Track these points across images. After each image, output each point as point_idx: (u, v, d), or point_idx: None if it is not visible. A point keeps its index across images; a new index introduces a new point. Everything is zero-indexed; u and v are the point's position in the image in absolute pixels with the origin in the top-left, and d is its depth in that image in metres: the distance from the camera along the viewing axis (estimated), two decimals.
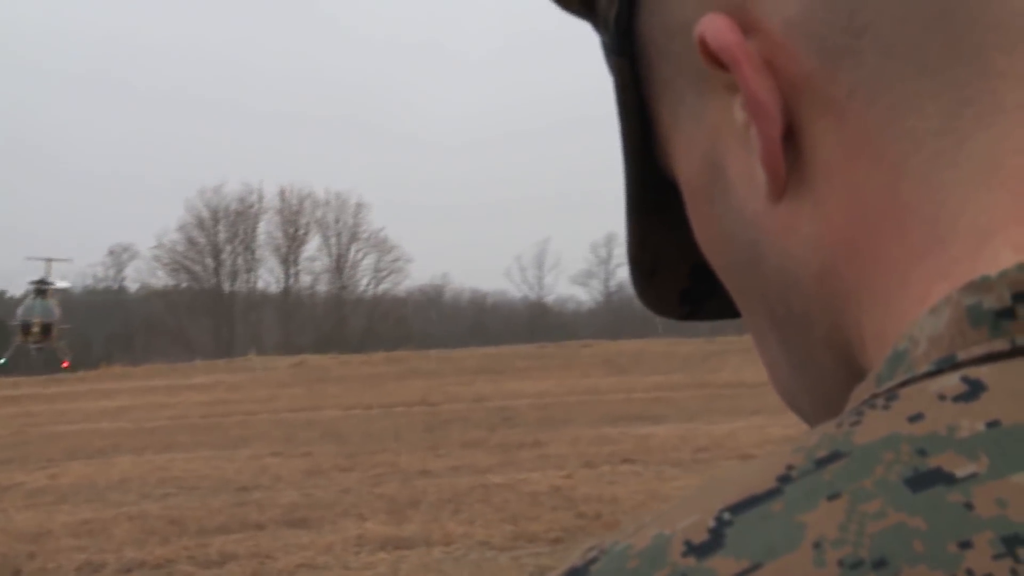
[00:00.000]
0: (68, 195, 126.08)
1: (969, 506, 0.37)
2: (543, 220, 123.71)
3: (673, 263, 0.62)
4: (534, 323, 76.97)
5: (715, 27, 0.47)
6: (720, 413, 17.91)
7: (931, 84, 0.45)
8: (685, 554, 0.38)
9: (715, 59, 0.48)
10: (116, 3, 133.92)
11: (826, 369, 0.51)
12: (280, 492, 12.11)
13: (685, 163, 0.54)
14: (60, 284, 65.23)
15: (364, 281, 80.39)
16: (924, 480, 0.38)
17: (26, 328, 60.59)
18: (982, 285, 0.41)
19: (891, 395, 0.41)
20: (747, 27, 0.47)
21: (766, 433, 14.63)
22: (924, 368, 0.41)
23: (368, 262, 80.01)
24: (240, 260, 78.05)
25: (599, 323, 75.66)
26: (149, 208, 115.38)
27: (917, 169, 0.45)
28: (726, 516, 0.39)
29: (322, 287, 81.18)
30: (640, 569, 0.38)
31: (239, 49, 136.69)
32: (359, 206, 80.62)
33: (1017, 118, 0.44)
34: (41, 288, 62.09)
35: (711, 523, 0.39)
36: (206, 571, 8.69)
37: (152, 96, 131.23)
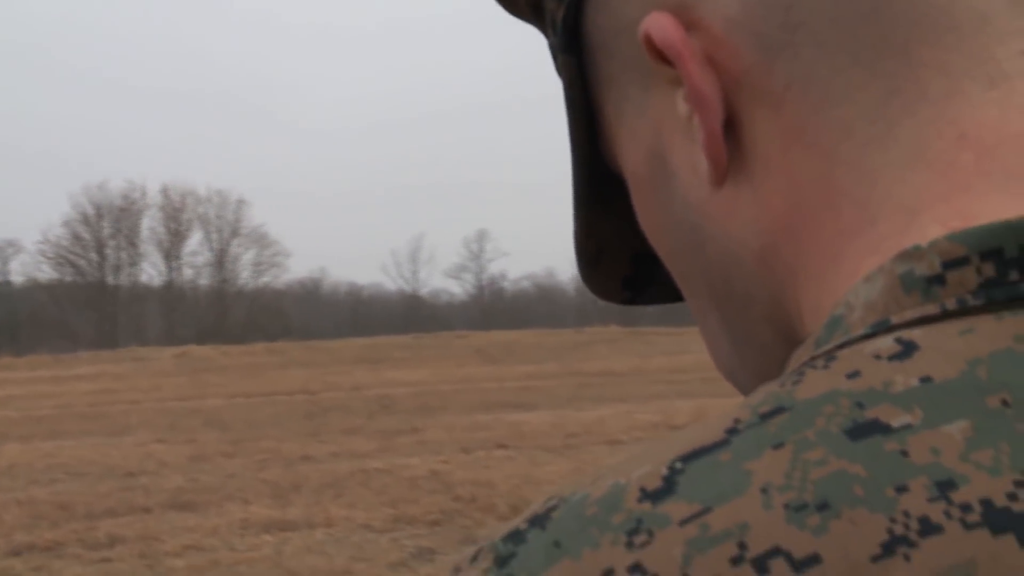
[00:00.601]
0: None
1: (905, 454, 0.38)
2: (418, 215, 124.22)
3: (616, 252, 0.63)
4: (409, 315, 77.47)
5: (660, 25, 0.48)
6: (589, 400, 18.18)
7: (861, 75, 0.46)
8: (640, 500, 0.40)
9: (659, 55, 0.49)
10: None
11: (766, 344, 0.52)
12: (166, 477, 11.88)
13: (630, 155, 0.54)
14: None
15: (245, 275, 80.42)
16: (862, 430, 0.39)
17: None
18: (914, 254, 0.43)
19: (830, 356, 0.43)
20: (689, 25, 0.48)
21: (633, 419, 14.87)
22: (860, 331, 0.43)
23: (248, 256, 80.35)
24: (124, 255, 77.87)
25: (472, 315, 76.21)
26: (33, 203, 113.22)
27: (849, 154, 0.46)
28: (678, 465, 0.41)
29: (204, 281, 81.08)
30: (598, 515, 0.40)
31: (108, 20, 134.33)
32: (240, 203, 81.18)
33: (941, 105, 0.45)
34: None
35: (664, 471, 0.40)
36: (95, 553, 8.46)
37: (31, 73, 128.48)
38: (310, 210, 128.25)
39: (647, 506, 0.39)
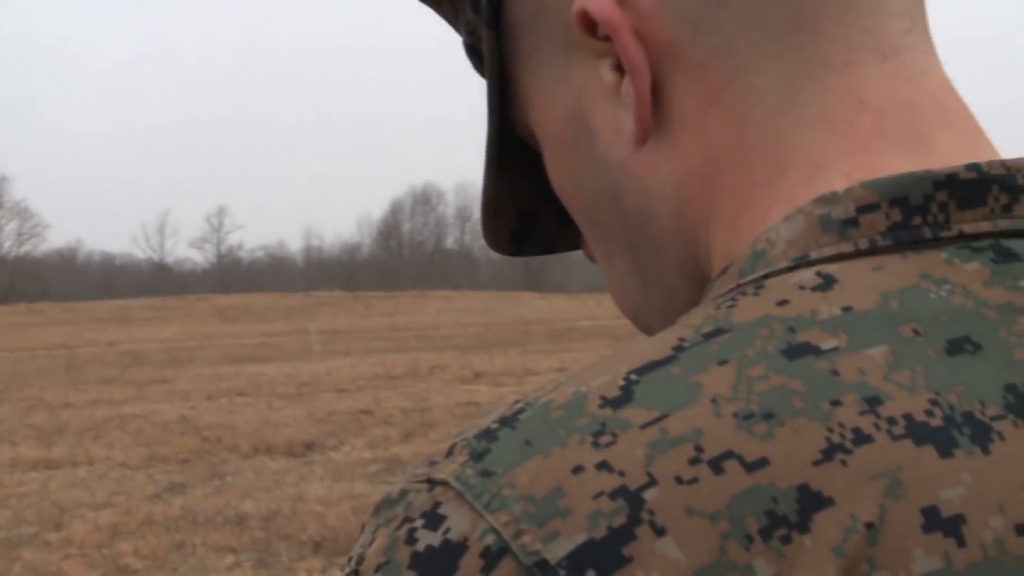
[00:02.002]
0: None
1: (835, 372, 0.38)
2: (166, 192, 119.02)
3: (507, 208, 0.60)
4: (157, 281, 74.31)
5: (597, 2, 0.47)
6: (317, 355, 17.96)
7: (774, 47, 0.46)
8: (602, 406, 0.39)
9: (590, 29, 0.47)
10: None
11: (676, 287, 0.51)
12: None
13: (549, 118, 0.52)
14: None
15: (7, 244, 74.98)
16: (797, 351, 0.39)
17: None
18: (831, 199, 0.43)
19: (758, 285, 0.42)
20: (621, 1, 0.47)
21: (356, 370, 14.89)
22: (782, 264, 0.43)
23: (11, 227, 74.74)
24: None
25: (213, 281, 73.95)
26: None
27: (760, 117, 0.46)
28: (632, 376, 0.40)
29: None
30: (564, 418, 0.39)
31: None
32: (2, 179, 74.99)
33: (842, 74, 0.45)
34: None
35: (621, 382, 0.40)
36: None
37: None
38: (69, 186, 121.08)
39: (608, 412, 0.38)
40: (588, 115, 0.50)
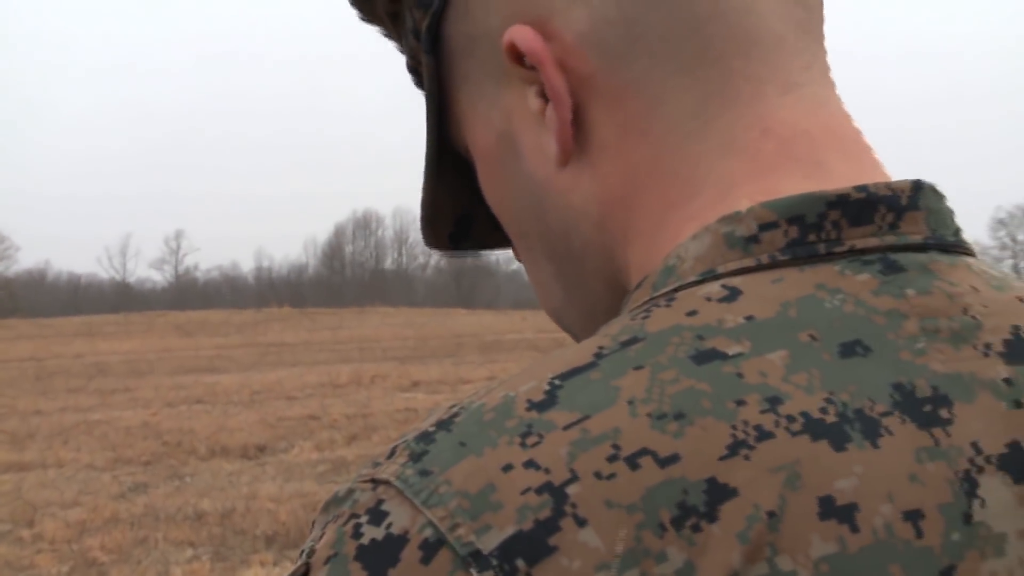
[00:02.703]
0: None
1: (740, 375, 0.38)
2: (129, 216, 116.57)
3: (445, 213, 0.58)
4: (119, 299, 72.58)
5: (523, 35, 0.46)
6: (268, 366, 17.79)
7: (686, 81, 0.45)
8: (528, 409, 0.38)
9: (518, 59, 0.47)
10: None
11: (597, 293, 0.50)
12: None
13: (480, 137, 0.51)
14: None
15: None
16: (704, 356, 0.39)
17: None
18: (735, 218, 0.43)
19: (670, 297, 0.42)
20: (546, 35, 0.46)
21: (304, 380, 14.69)
22: (691, 278, 0.42)
23: None
24: None
25: (171, 298, 72.54)
26: None
27: (674, 143, 0.45)
28: (556, 382, 0.39)
29: None
30: (495, 420, 0.38)
31: None
32: None
33: (748, 106, 0.45)
34: None
35: (545, 387, 0.39)
36: None
37: None
38: (37, 211, 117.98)
39: (534, 414, 0.37)
40: (516, 136, 0.49)
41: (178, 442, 9.56)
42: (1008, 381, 0.40)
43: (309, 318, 34.95)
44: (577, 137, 0.47)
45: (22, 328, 34.06)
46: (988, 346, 0.41)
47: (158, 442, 9.61)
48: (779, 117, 0.45)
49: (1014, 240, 60.05)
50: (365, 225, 77.24)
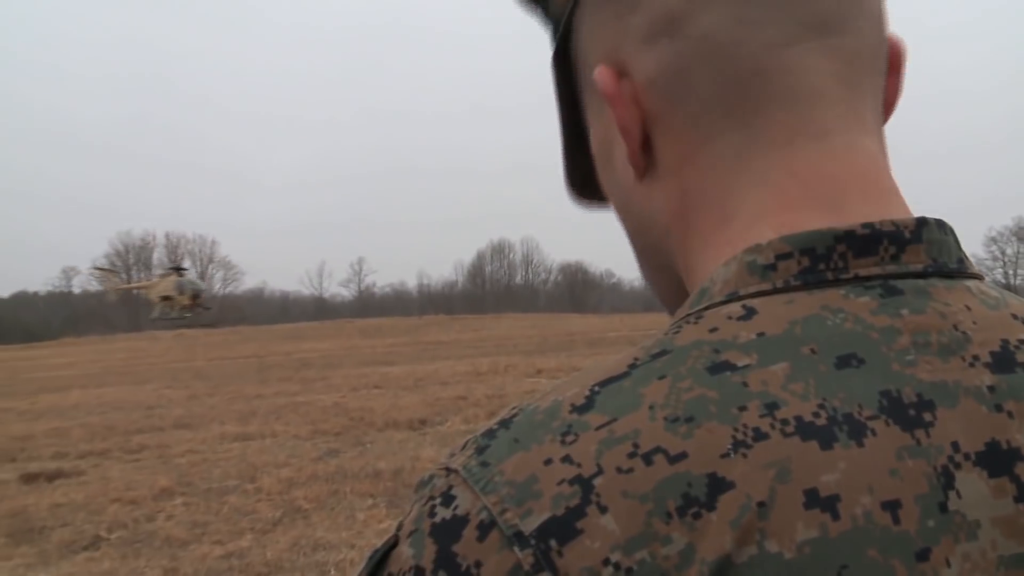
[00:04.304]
0: None
1: (745, 384, 0.36)
2: (322, 247, 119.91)
3: (579, 175, 0.54)
4: (317, 310, 75.05)
5: (602, 77, 0.45)
6: (428, 359, 17.94)
7: (732, 123, 0.43)
8: (571, 412, 0.37)
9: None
10: None
11: (664, 285, 0.49)
12: (172, 409, 11.48)
13: (593, 135, 0.50)
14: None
15: (217, 287, 76.16)
16: (718, 367, 0.37)
17: None
18: (756, 248, 0.41)
19: (699, 315, 0.40)
20: (623, 73, 0.45)
21: (455, 369, 14.71)
22: (718, 299, 0.41)
23: (219, 275, 76.25)
24: (143, 275, 72.18)
25: (355, 309, 74.63)
26: (82, 242, 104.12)
27: (718, 176, 0.44)
28: (596, 388, 0.38)
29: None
30: (544, 421, 0.37)
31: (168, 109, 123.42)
32: (213, 242, 76.95)
33: (782, 151, 0.42)
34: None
35: (587, 392, 0.38)
36: (129, 455, 8.32)
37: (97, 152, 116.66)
38: (256, 244, 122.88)
39: (575, 416, 0.37)
40: (612, 148, 0.47)
41: (361, 417, 9.70)
42: (992, 388, 0.37)
43: (458, 323, 35.36)
44: (649, 159, 0.45)
45: (246, 333, 35.55)
46: (976, 357, 0.38)
47: (346, 418, 9.77)
48: (806, 162, 0.42)
49: (1003, 253, 62.16)
50: (500, 250, 77.90)
